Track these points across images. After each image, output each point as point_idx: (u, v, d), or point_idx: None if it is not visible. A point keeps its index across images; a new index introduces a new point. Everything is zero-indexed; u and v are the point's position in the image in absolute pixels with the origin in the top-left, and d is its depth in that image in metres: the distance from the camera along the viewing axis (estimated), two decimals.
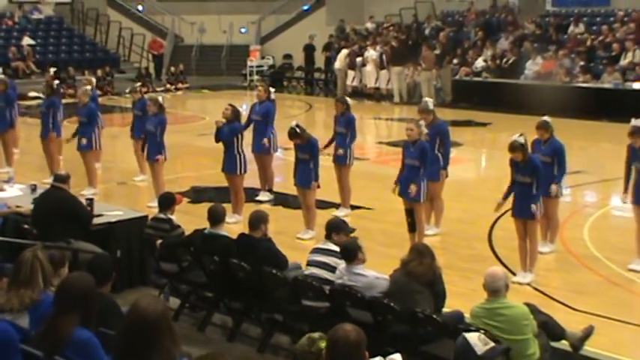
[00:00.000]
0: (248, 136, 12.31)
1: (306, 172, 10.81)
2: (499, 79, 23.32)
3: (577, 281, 9.36)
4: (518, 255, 9.24)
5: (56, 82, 14.65)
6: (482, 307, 6.22)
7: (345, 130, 11.94)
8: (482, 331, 5.85)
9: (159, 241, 8.38)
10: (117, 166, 15.41)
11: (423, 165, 9.78)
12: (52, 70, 18.87)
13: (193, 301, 8.31)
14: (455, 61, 25.01)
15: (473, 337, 5.71)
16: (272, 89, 13.31)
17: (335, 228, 7.61)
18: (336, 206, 12.00)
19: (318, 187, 10.80)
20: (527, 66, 23.12)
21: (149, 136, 12.38)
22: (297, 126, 10.85)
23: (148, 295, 7.16)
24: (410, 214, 9.95)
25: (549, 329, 6.63)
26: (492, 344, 5.69)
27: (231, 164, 11.54)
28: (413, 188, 9.71)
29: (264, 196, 12.75)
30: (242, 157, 11.56)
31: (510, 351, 5.92)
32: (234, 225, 10.63)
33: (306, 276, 7.29)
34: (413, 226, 9.95)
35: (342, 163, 11.87)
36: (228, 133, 11.50)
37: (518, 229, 9.20)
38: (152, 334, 4.23)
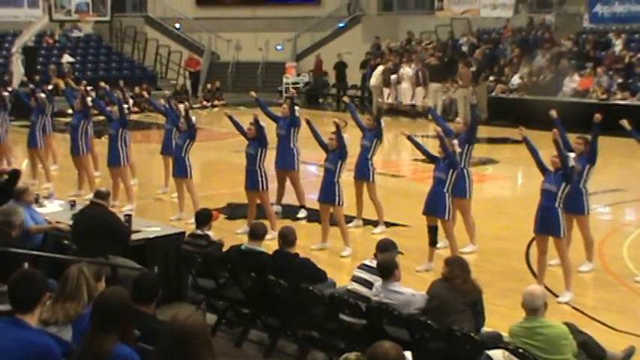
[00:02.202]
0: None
1: (330, 186, 10.85)
2: (535, 97, 23.18)
3: (617, 300, 9.25)
4: (537, 269, 9.24)
5: (89, 98, 14.75)
6: (521, 325, 6.16)
7: (369, 145, 11.96)
8: (505, 351, 5.80)
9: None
10: (153, 182, 15.52)
11: (448, 180, 9.93)
12: (84, 83, 19.03)
13: (230, 317, 8.33)
14: (491, 78, 24.91)
15: (497, 355, 5.67)
16: (297, 107, 13.36)
17: (381, 247, 7.61)
18: (374, 224, 12.05)
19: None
20: (565, 83, 22.97)
21: (176, 152, 12.53)
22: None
23: (187, 309, 7.19)
24: (432, 230, 10.14)
25: (589, 349, 6.55)
26: None
27: (253, 181, 11.62)
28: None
29: (276, 208, 12.76)
30: (263, 173, 11.62)
31: None
32: (270, 241, 10.65)
33: (344, 292, 7.29)
34: (434, 242, 10.14)
35: (363, 178, 11.90)
36: (254, 149, 11.60)
37: (540, 244, 9.22)
38: (191, 347, 4.25)
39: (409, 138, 10.92)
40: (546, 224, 9.05)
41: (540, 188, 9.17)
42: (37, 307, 4.81)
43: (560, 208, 8.98)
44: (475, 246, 10.88)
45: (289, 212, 12.80)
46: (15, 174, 10.17)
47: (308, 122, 12.08)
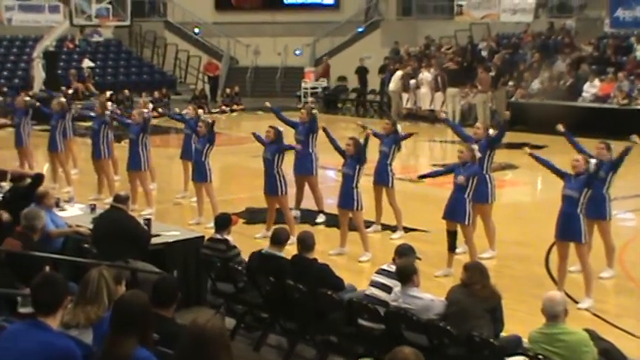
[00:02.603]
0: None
1: (348, 191, 10.84)
2: (555, 102, 23.07)
3: (638, 307, 9.19)
4: (557, 275, 9.19)
5: (109, 103, 14.84)
6: (540, 332, 6.13)
7: (388, 150, 11.95)
8: (526, 358, 5.77)
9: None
10: (172, 187, 15.56)
11: (469, 186, 9.91)
12: (109, 93, 19.16)
13: (249, 321, 8.35)
14: (510, 83, 24.83)
15: None
16: (315, 111, 13.38)
17: (400, 252, 7.61)
18: (392, 229, 12.05)
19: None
20: (585, 88, 22.86)
21: (196, 157, 12.59)
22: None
23: (207, 313, 7.20)
24: (451, 235, 10.12)
25: (610, 357, 6.50)
26: None
27: (272, 186, 11.63)
28: (461, 178, 9.86)
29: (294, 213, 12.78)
30: (282, 177, 11.64)
31: None
32: (289, 246, 10.65)
33: (363, 297, 7.28)
34: (452, 247, 10.14)
35: (382, 183, 11.88)
36: (271, 153, 11.63)
37: (561, 250, 9.17)
38: (211, 351, 4.26)
39: (423, 176, 11.39)
40: (568, 230, 9.00)
41: (561, 194, 9.12)
42: (58, 311, 4.83)
43: (582, 213, 8.93)
44: (494, 251, 10.84)
45: (308, 217, 12.80)
46: (38, 178, 10.22)
47: (324, 130, 12.12)
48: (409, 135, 12.76)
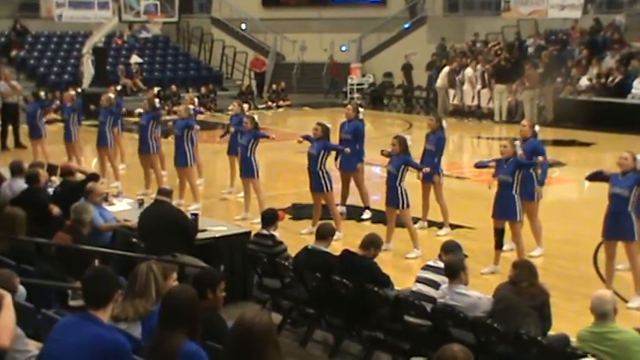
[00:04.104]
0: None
1: (393, 190, 10.81)
2: (604, 98, 22.77)
3: None
4: (605, 274, 9.11)
5: (157, 99, 14.98)
6: (590, 330, 6.08)
7: (434, 148, 11.89)
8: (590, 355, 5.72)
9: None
10: (218, 182, 15.66)
11: (515, 181, 9.81)
12: (157, 89, 19.35)
13: (295, 316, 8.38)
14: (558, 79, 24.56)
15: None
16: (361, 109, 13.36)
17: (446, 249, 7.59)
18: (439, 226, 12.01)
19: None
20: (635, 85, 22.50)
21: (243, 152, 12.64)
22: None
23: (254, 308, 7.25)
24: (499, 233, 10.02)
25: None
26: None
27: (317, 184, 11.64)
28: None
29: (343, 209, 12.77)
30: (325, 174, 11.63)
31: None
32: (335, 242, 10.67)
33: (410, 293, 7.27)
34: (500, 244, 10.04)
35: (430, 181, 11.81)
36: (317, 150, 11.64)
37: (609, 249, 9.06)
38: (259, 346, 4.28)
39: (477, 166, 10.92)
40: (617, 229, 8.89)
41: (609, 192, 9.00)
42: (109, 304, 4.89)
43: (631, 211, 8.80)
44: (542, 249, 10.75)
45: (354, 213, 12.80)
46: (92, 177, 10.37)
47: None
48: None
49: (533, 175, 10.54)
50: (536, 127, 11.07)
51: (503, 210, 9.94)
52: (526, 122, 11.50)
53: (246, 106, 14.57)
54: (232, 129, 14.01)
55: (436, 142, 11.92)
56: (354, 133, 12.79)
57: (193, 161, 13.63)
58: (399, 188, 10.77)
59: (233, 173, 14.17)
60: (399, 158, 10.85)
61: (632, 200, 8.81)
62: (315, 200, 11.88)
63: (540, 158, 10.33)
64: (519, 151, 10.06)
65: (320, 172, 11.59)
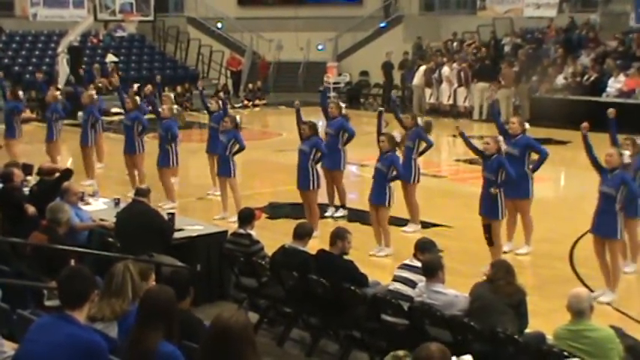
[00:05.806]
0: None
1: (380, 188, 10.80)
2: (579, 97, 22.91)
3: None
4: (602, 274, 9.08)
5: (138, 97, 14.88)
6: (566, 328, 6.11)
7: (412, 145, 11.91)
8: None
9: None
10: (194, 181, 15.60)
11: (498, 179, 9.75)
12: (136, 85, 19.21)
13: (272, 316, 8.36)
14: (534, 78, 24.70)
15: None
16: (343, 105, 13.36)
17: (421, 247, 7.58)
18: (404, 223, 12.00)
19: None
20: (610, 83, 22.69)
21: (221, 151, 12.58)
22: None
23: (231, 308, 7.23)
24: (487, 229, 9.97)
25: (636, 353, 6.46)
26: None
27: (305, 180, 11.63)
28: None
29: (330, 211, 12.77)
30: (314, 171, 11.64)
31: None
32: (311, 240, 10.65)
33: (387, 292, 7.28)
34: (491, 241, 9.99)
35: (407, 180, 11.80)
36: (309, 147, 11.62)
37: (597, 246, 9.07)
38: (236, 345, 4.27)
39: (461, 134, 10.79)
40: (603, 227, 8.93)
41: (599, 189, 9.03)
42: (85, 304, 4.85)
43: (619, 210, 8.85)
44: (530, 247, 10.78)
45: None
46: (67, 173, 10.28)
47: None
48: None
49: (528, 174, 10.57)
50: (527, 125, 11.09)
51: (488, 209, 9.91)
52: (515, 119, 11.43)
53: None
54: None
55: (413, 139, 11.94)
56: (337, 130, 12.79)
57: (176, 162, 13.56)
58: (387, 186, 10.75)
59: (213, 173, 14.05)
60: (389, 156, 10.84)
61: (619, 199, 8.84)
62: (303, 197, 11.84)
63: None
64: (503, 147, 10.03)
65: (309, 169, 11.57)
